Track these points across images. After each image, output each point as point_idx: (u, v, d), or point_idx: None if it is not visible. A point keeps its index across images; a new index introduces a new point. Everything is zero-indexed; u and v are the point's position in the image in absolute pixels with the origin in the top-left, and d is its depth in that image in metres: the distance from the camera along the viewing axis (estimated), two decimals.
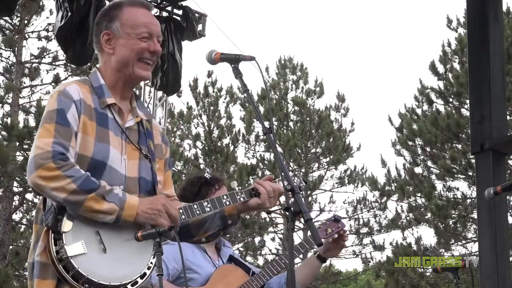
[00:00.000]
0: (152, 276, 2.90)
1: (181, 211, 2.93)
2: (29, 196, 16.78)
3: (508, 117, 15.02)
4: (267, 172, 22.64)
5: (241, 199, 3.07)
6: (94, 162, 2.83)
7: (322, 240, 4.31)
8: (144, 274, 2.80)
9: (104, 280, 2.71)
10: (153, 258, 2.84)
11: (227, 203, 3.04)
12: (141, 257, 2.79)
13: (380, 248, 22.01)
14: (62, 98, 2.86)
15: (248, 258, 21.74)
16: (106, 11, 3.05)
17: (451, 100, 19.88)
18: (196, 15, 9.49)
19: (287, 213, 2.60)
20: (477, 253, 8.28)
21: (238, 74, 2.81)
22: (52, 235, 2.75)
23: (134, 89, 3.13)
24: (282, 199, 3.25)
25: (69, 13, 8.15)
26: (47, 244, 2.75)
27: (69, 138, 2.80)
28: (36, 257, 2.81)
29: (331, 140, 23.42)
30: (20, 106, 16.95)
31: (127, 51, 2.94)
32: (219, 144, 22.41)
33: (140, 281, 2.78)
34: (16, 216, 17.46)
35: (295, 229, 18.21)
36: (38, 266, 2.80)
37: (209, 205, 3.00)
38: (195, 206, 2.98)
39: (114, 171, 2.86)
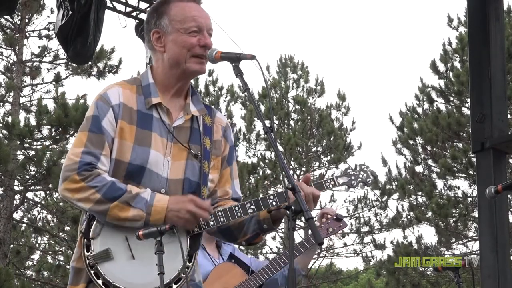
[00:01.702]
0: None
1: (220, 213, 2.83)
2: (30, 195, 16.82)
3: (508, 116, 15.01)
4: (268, 171, 22.65)
5: (274, 203, 2.86)
6: (131, 167, 2.79)
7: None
8: (179, 279, 2.75)
9: (130, 287, 2.71)
10: (189, 262, 2.80)
11: (274, 203, 2.86)
12: (169, 263, 2.71)
13: (381, 247, 22.01)
14: (100, 104, 2.83)
15: None
16: (155, 9, 2.97)
17: (451, 98, 19.87)
18: None
19: (287, 212, 2.59)
20: (478, 251, 8.28)
21: (238, 73, 2.77)
22: (85, 241, 2.77)
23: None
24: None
25: (70, 12, 8.17)
26: (82, 250, 2.77)
27: (101, 146, 2.78)
28: (72, 262, 2.85)
29: (332, 139, 23.40)
30: (21, 105, 16.95)
31: (178, 48, 2.86)
32: None
33: (174, 286, 2.74)
34: (17, 215, 17.49)
35: (296, 228, 18.23)
36: (73, 271, 2.83)
37: (252, 206, 2.84)
38: (236, 208, 2.84)
39: (154, 175, 2.81)
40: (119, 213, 2.70)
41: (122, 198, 2.71)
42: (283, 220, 3.00)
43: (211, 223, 2.84)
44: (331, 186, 3.13)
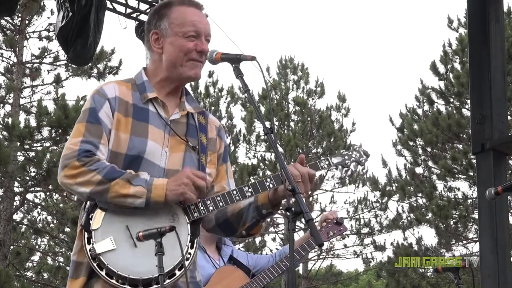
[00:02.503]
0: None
1: (218, 198, 2.86)
2: (30, 196, 16.82)
3: (509, 118, 15.02)
4: (268, 172, 22.65)
5: (271, 185, 2.88)
6: (129, 158, 2.82)
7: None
8: (182, 266, 2.76)
9: (135, 275, 2.71)
10: (191, 248, 2.81)
11: (271, 185, 2.88)
12: (172, 250, 2.72)
13: (381, 248, 22.01)
14: (96, 97, 2.88)
15: None
16: (156, 11, 3.02)
17: (452, 100, 19.88)
18: None
19: (287, 213, 2.60)
20: (478, 253, 8.28)
21: (239, 74, 2.78)
22: (86, 234, 2.77)
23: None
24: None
25: (70, 13, 8.17)
26: (83, 243, 2.77)
27: (100, 136, 2.82)
28: (73, 256, 2.86)
29: (332, 140, 23.41)
30: (21, 106, 16.96)
31: (175, 51, 2.91)
32: None
33: (178, 272, 2.75)
34: (17, 216, 17.50)
35: (296, 230, 18.22)
36: (73, 265, 2.84)
37: (250, 190, 2.87)
38: (234, 192, 2.87)
39: (151, 165, 2.84)
40: (120, 189, 2.72)
41: (123, 177, 2.74)
42: (282, 219, 3.00)
43: (210, 208, 2.86)
44: (325, 166, 3.16)
